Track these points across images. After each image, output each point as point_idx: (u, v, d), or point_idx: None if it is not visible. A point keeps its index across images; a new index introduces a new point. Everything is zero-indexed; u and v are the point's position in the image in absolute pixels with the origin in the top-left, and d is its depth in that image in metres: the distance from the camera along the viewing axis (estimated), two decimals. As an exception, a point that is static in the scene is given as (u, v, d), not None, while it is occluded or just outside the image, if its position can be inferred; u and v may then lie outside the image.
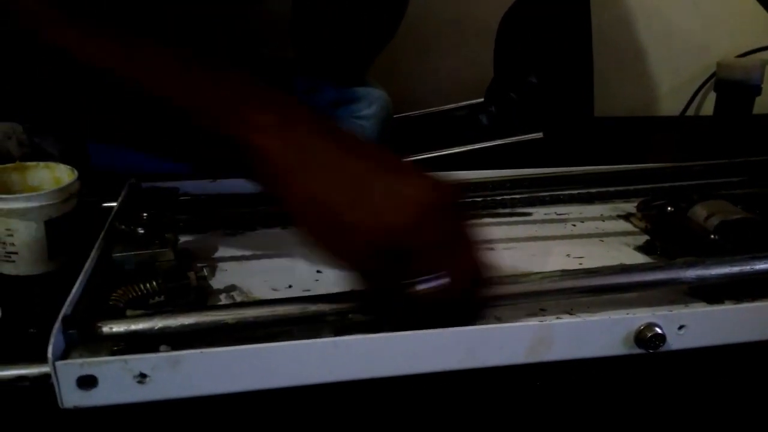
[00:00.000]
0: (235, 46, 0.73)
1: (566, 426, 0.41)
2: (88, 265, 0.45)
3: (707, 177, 0.66)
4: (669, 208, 0.56)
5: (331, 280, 0.52)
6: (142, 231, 0.49)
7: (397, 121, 0.96)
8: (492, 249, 0.58)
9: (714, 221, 0.51)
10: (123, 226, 0.49)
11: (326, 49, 0.75)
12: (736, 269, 0.47)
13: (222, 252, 0.56)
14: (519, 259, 0.56)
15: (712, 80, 1.01)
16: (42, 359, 0.37)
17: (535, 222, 0.64)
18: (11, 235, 0.52)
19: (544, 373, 0.44)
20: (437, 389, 0.42)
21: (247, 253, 0.56)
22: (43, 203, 0.51)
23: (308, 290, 0.50)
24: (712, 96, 0.99)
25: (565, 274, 0.46)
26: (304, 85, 0.78)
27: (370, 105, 0.78)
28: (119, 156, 0.70)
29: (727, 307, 0.46)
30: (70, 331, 0.39)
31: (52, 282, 0.53)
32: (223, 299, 0.49)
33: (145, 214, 0.51)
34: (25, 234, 0.52)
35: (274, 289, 0.50)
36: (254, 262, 0.54)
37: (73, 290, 0.42)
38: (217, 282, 0.51)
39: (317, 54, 0.76)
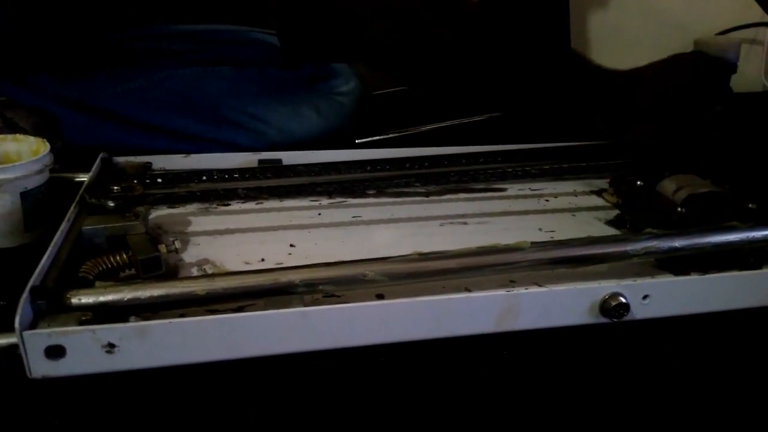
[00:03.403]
0: None
1: (533, 395, 0.42)
2: (57, 237, 0.45)
3: (679, 152, 0.67)
4: (638, 183, 0.57)
5: (303, 253, 0.52)
6: (113, 204, 0.49)
7: (377, 97, 0.96)
8: (465, 224, 0.58)
9: (681, 195, 0.52)
10: (93, 200, 0.49)
11: (306, 31, 0.75)
12: (700, 241, 0.48)
13: (195, 226, 0.56)
14: (491, 233, 0.56)
15: (691, 58, 1.01)
16: (10, 330, 0.37)
17: (509, 197, 0.64)
18: (-15, 208, 0.51)
19: (511, 343, 0.44)
20: (406, 359, 0.43)
21: (220, 227, 0.56)
22: (19, 174, 0.51)
23: (281, 263, 0.50)
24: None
25: (534, 246, 0.46)
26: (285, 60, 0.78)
27: (348, 81, 0.78)
28: (92, 131, 0.69)
29: (691, 278, 0.47)
30: (39, 302, 0.39)
31: (29, 254, 0.52)
32: (195, 272, 0.49)
33: (116, 188, 0.51)
34: (0, 206, 0.51)
35: (247, 263, 0.50)
36: (227, 236, 0.55)
37: (42, 261, 0.42)
38: (190, 255, 0.51)
39: (297, 36, 0.76)
